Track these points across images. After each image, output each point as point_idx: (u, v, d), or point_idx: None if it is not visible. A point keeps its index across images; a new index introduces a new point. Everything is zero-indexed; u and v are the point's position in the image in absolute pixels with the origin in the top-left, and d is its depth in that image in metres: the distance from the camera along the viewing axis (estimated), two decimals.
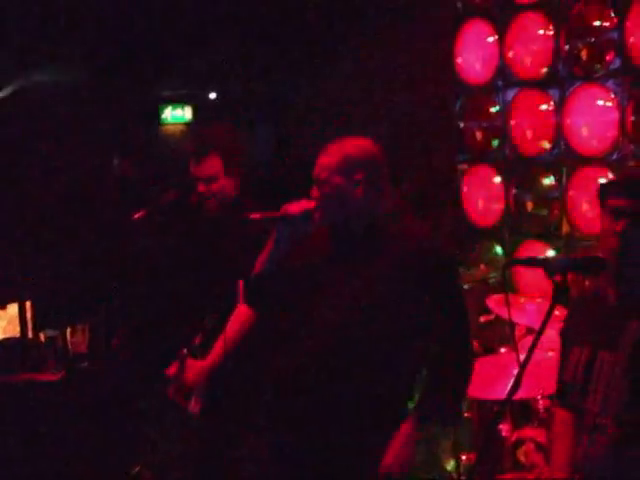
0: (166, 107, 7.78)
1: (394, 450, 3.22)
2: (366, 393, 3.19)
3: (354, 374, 3.19)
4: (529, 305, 4.20)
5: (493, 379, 3.95)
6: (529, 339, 3.78)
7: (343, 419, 3.20)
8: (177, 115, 7.94)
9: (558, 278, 2.35)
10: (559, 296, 2.38)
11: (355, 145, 3.32)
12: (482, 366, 4.17)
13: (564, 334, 2.96)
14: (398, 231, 3.30)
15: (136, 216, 4.23)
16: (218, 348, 3.89)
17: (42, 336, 5.82)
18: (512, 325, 3.84)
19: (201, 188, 4.01)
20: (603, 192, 2.70)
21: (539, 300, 4.18)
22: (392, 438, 3.19)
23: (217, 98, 7.69)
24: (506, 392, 2.55)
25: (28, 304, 5.95)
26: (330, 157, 3.28)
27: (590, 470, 2.64)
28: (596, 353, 2.68)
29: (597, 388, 2.64)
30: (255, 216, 3.44)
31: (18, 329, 5.88)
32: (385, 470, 3.24)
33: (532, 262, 2.77)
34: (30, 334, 5.91)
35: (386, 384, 3.21)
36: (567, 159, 5.13)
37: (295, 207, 3.37)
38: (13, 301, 5.92)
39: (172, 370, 4.00)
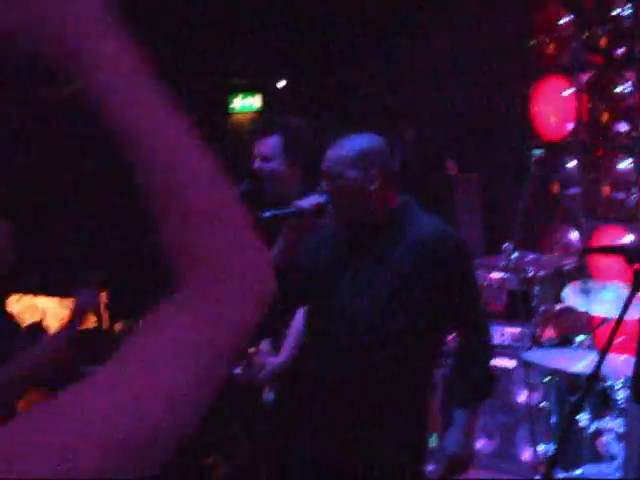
0: (236, 96, 7.90)
1: (456, 439, 3.41)
2: (394, 384, 3.29)
3: (382, 365, 3.28)
4: (606, 293, 4.12)
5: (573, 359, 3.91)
6: (607, 328, 3.71)
7: (370, 412, 3.31)
8: (246, 104, 8.01)
9: (638, 266, 2.29)
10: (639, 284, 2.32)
11: (369, 140, 3.37)
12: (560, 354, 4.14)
13: None
14: (412, 221, 3.38)
15: None
16: (288, 345, 3.92)
17: (117, 327, 5.95)
18: (589, 314, 3.77)
19: (256, 164, 4.01)
20: None
21: (616, 287, 4.10)
22: (449, 429, 3.43)
23: (286, 86, 7.77)
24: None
25: (104, 295, 6.05)
26: (344, 151, 3.31)
27: None
28: None
29: None
30: (267, 214, 3.44)
31: (94, 319, 5.98)
32: (451, 457, 3.44)
33: (611, 250, 2.72)
34: (106, 324, 6.02)
35: (412, 375, 3.33)
36: None
37: (306, 202, 3.40)
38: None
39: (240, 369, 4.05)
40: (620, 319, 2.28)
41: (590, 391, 2.57)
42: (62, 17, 0.99)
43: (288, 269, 3.49)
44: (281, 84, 7.74)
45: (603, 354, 2.27)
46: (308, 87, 7.24)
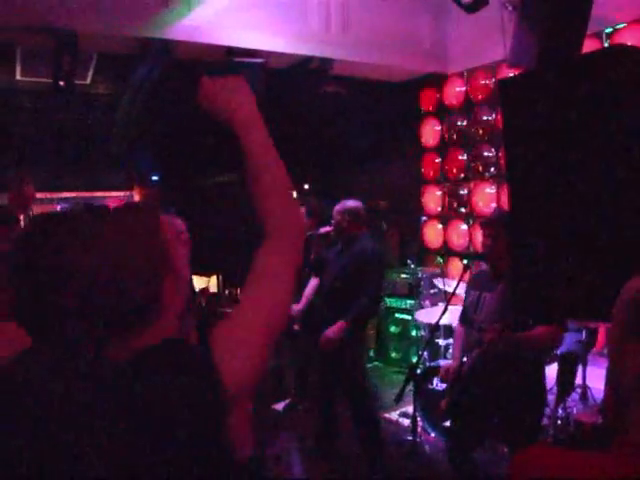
0: None
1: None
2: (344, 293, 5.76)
3: (341, 290, 5.71)
4: None
5: None
6: None
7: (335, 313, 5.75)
8: None
9: None
10: None
11: (351, 203, 5.58)
12: None
13: None
14: (359, 241, 5.61)
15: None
16: (305, 299, 6.53)
17: (226, 291, 9.94)
18: None
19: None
20: None
21: None
22: None
23: (309, 188, 10.10)
24: None
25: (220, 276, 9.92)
26: (339, 207, 5.61)
27: None
28: None
29: None
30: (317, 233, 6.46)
31: (215, 288, 10.03)
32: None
33: None
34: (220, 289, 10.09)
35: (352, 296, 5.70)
36: None
37: (322, 230, 6.64)
38: (215, 273, 9.93)
39: None
40: None
41: None
42: (239, 104, 1.71)
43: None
44: (306, 186, 10.42)
45: None
46: (322, 186, 10.20)
